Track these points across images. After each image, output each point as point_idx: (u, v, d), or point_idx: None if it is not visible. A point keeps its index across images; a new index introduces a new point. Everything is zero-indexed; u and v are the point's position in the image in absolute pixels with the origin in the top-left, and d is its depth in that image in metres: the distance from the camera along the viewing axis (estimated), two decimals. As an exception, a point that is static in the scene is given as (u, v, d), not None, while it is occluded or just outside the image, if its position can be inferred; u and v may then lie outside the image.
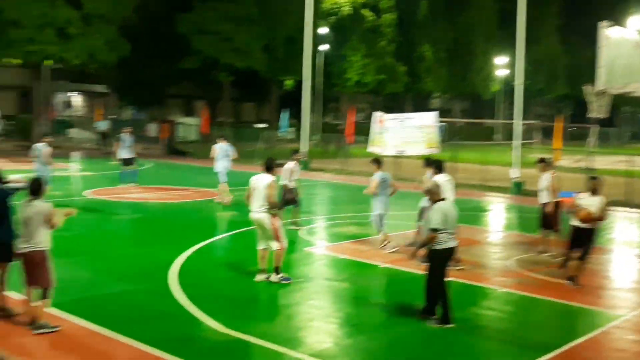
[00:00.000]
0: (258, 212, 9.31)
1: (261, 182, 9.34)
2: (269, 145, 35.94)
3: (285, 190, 13.99)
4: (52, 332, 7.08)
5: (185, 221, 15.23)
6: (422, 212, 11.51)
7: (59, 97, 49.05)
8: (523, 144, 24.96)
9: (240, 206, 17.08)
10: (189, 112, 55.05)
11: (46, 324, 7.13)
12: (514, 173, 23.20)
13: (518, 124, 24.15)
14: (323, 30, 48.46)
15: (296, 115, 55.51)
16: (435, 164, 11.57)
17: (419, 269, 10.43)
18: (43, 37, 31.43)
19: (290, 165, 14.36)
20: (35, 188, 7.19)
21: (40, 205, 7.14)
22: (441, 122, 31.78)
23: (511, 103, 68.11)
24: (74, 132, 42.72)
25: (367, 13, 50.32)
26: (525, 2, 22.83)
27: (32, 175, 8.86)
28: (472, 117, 76.61)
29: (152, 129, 37.40)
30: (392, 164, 26.59)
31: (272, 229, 9.33)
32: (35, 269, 7.10)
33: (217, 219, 15.93)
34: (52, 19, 31.51)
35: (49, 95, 38.62)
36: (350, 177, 26.33)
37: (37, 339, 6.94)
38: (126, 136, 20.29)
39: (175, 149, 34.32)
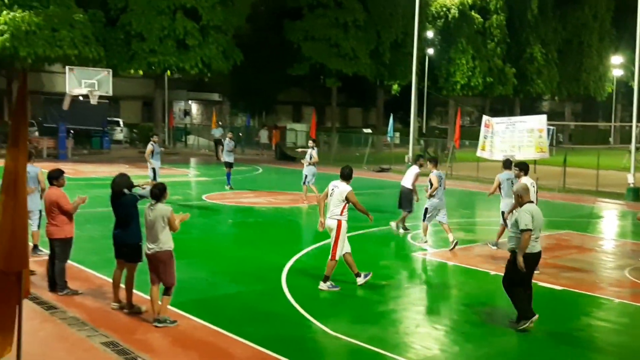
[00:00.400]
0: (329, 218, 9.44)
1: (337, 189, 9.42)
2: (375, 150, 36.01)
3: (406, 193, 14.13)
4: (172, 326, 7.58)
5: (294, 225, 15.72)
6: (503, 215, 12.25)
7: (178, 106, 51.62)
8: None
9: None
10: (298, 118, 56.23)
11: (167, 318, 7.64)
12: (630, 178, 22.13)
13: (636, 126, 22.92)
14: (429, 33, 48.20)
15: (402, 120, 55.51)
16: (521, 167, 11.53)
17: (534, 278, 10.20)
18: (164, 49, 33.41)
19: (415, 169, 14.37)
20: (158, 193, 7.67)
21: (163, 209, 7.63)
22: (551, 125, 30.62)
23: (627, 105, 64.45)
24: (191, 139, 44.86)
25: (475, 15, 49.48)
26: (645, -3, 21.60)
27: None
28: (585, 119, 73.66)
29: (263, 135, 38.57)
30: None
31: (334, 237, 9.36)
32: (161, 268, 7.62)
33: None
34: (172, 31, 33.43)
35: (168, 104, 40.94)
36: (457, 182, 25.82)
37: (159, 336, 7.42)
38: (228, 141, 21.50)
39: (284, 154, 35.26)
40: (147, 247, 7.66)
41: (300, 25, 40.55)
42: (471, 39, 48.76)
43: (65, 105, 30.11)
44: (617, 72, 61.09)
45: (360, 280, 9.56)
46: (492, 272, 10.76)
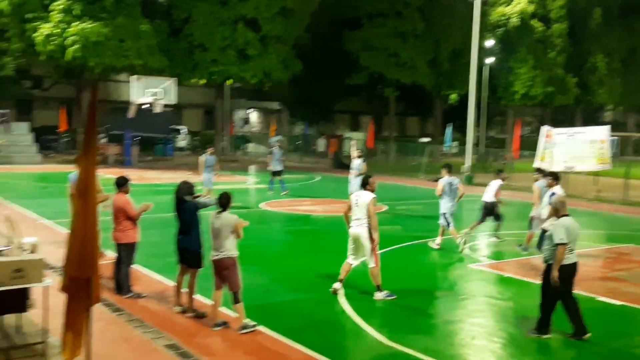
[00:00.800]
0: (357, 227, 9.48)
1: (362, 198, 9.46)
2: (432, 159, 35.72)
3: (488, 205, 14.44)
4: (254, 330, 7.80)
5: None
6: (531, 222, 12.81)
7: (238, 114, 52.51)
8: None
9: (404, 220, 17.32)
10: (355, 127, 56.32)
11: (247, 323, 7.85)
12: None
13: None
14: (489, 42, 47.60)
15: (460, 129, 54.81)
16: (554, 176, 11.75)
17: (591, 292, 10.09)
18: (225, 59, 34.17)
19: (498, 183, 14.64)
20: (225, 202, 7.94)
21: (229, 217, 7.88)
22: (613, 136, 29.81)
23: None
24: (250, 147, 45.57)
25: (536, 24, 48.68)
26: None
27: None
28: None
29: (321, 144, 38.81)
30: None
31: (369, 246, 9.40)
32: (225, 274, 7.85)
33: (381, 234, 16.19)
34: (234, 42, 34.16)
35: (229, 112, 41.76)
36: (515, 193, 25.37)
37: (220, 340, 7.63)
38: (276, 150, 22.05)
39: (342, 163, 35.42)
40: (213, 253, 7.90)
41: (359, 35, 40.77)
42: (532, 48, 48.06)
43: (131, 113, 31.08)
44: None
45: (378, 295, 9.41)
46: None
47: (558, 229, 7.82)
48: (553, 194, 11.50)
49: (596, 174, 25.64)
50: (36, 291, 6.96)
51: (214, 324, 7.91)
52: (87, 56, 30.11)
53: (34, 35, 30.31)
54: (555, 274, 7.72)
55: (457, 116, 51.62)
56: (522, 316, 9.04)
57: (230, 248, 7.84)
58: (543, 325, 8.07)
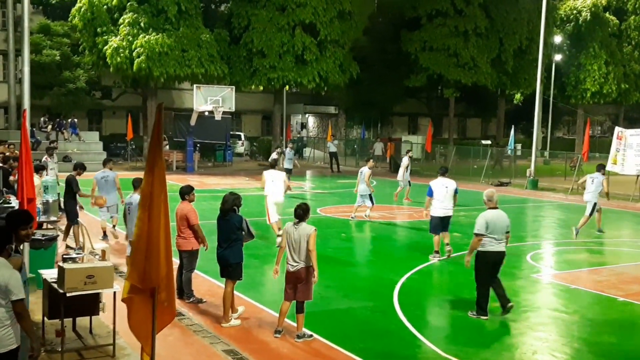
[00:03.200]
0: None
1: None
2: (494, 163, 34.84)
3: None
4: (310, 340, 7.88)
5: (407, 240, 15.66)
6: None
7: (295, 119, 52.98)
8: None
9: (463, 227, 16.95)
10: (414, 130, 55.79)
11: (305, 332, 7.96)
12: None
13: None
14: (557, 38, 46.13)
15: (525, 131, 53.31)
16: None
17: None
18: (283, 65, 34.55)
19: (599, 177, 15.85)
20: (302, 213, 7.97)
21: (307, 228, 7.90)
22: None
23: None
24: (307, 152, 45.83)
25: (609, 17, 46.51)
26: None
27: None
28: None
29: (378, 148, 38.61)
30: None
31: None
32: (302, 284, 7.89)
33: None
34: (291, 47, 34.50)
35: (286, 117, 42.17)
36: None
37: (275, 347, 7.74)
38: (288, 150, 25.70)
39: (399, 167, 35.12)
40: (290, 264, 7.89)
41: (418, 36, 40.23)
42: (605, 43, 46.05)
43: (193, 120, 32.06)
44: None
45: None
46: (620, 299, 10.09)
47: (478, 220, 8.72)
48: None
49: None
50: (106, 295, 7.40)
51: (276, 331, 8.06)
52: (151, 66, 31.23)
53: (104, 48, 31.72)
54: (467, 258, 8.80)
55: (522, 117, 50.41)
56: (589, 331, 8.66)
57: (308, 259, 7.84)
58: (482, 308, 8.86)
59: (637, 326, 9.00)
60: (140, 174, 5.23)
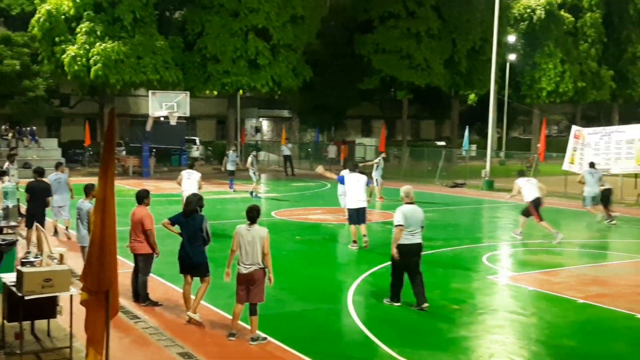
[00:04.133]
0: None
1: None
2: (449, 164, 34.60)
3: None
4: (265, 342, 7.92)
5: (360, 242, 15.72)
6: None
7: (249, 123, 52.97)
8: None
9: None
10: (368, 132, 56.22)
11: (259, 335, 8.00)
12: None
13: None
14: (511, 38, 45.73)
15: (479, 131, 53.85)
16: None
17: (631, 309, 9.47)
18: (237, 70, 34.62)
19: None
20: (254, 215, 8.06)
21: (261, 230, 7.98)
22: None
23: None
24: (261, 155, 45.81)
25: (565, 14, 46.44)
26: None
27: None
28: None
29: (332, 151, 38.81)
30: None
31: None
32: (255, 287, 7.94)
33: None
34: (245, 52, 34.59)
35: (240, 122, 42.20)
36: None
37: (230, 350, 7.77)
38: (231, 153, 26.42)
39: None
40: (244, 266, 7.91)
41: (370, 38, 40.23)
42: (560, 41, 45.88)
43: (148, 126, 32.13)
44: None
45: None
46: (580, 300, 9.95)
47: (397, 213, 9.41)
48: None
49: (635, 175, 24.25)
50: (64, 298, 7.43)
51: (230, 334, 8.08)
52: (108, 74, 31.38)
53: (62, 57, 32.05)
54: (393, 250, 9.28)
55: (476, 117, 50.22)
56: (547, 334, 8.47)
57: (262, 260, 7.92)
58: (394, 295, 9.50)
59: (597, 329, 8.88)
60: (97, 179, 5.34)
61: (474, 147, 42.95)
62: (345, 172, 14.48)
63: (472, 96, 48.91)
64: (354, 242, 13.78)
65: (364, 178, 13.92)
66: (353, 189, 13.72)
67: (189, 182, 16.19)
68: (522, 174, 16.39)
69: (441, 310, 9.45)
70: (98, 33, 31.90)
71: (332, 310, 9.46)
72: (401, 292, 9.50)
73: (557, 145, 38.49)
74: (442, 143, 45.41)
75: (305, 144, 47.86)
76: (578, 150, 23.41)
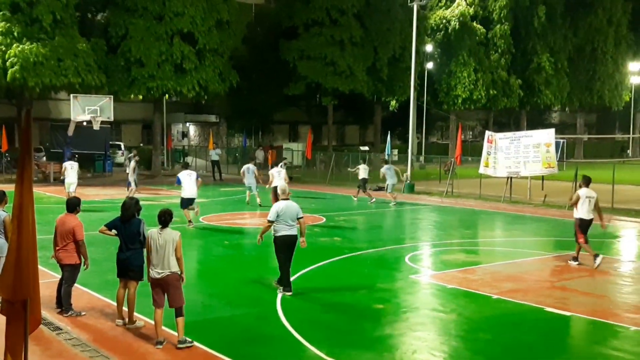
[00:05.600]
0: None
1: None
2: (372, 168, 35.67)
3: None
4: (191, 346, 7.90)
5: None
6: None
7: (176, 128, 52.25)
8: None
9: (343, 231, 17.49)
10: (294, 137, 56.56)
11: (186, 339, 7.96)
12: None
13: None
14: (429, 47, 47.36)
15: (401, 136, 55.30)
16: (584, 179, 13.12)
17: (539, 302, 9.95)
18: (162, 74, 34.15)
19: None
20: (166, 219, 8.09)
21: (172, 233, 8.01)
22: (561, 138, 29.07)
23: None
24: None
25: (477, 26, 48.47)
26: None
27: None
28: (600, 131, 69.68)
29: (259, 155, 38.90)
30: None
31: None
32: (171, 291, 7.94)
33: (320, 245, 15.50)
34: (170, 56, 34.19)
35: (167, 126, 41.61)
36: (458, 200, 25.15)
37: (158, 357, 7.72)
38: (132, 158, 26.72)
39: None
40: (156, 271, 7.91)
41: (295, 45, 40.72)
42: (473, 51, 47.81)
43: (70, 131, 31.13)
44: (635, 80, 58.03)
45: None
46: (494, 296, 10.39)
47: (271, 209, 10.51)
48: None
49: (542, 178, 25.11)
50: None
51: (157, 342, 8.00)
52: (26, 77, 30.06)
53: None
54: (259, 238, 10.78)
55: (398, 123, 51.64)
56: (466, 329, 8.85)
57: (174, 264, 7.93)
58: (284, 283, 10.46)
59: (510, 322, 9.32)
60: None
61: (395, 151, 43.97)
62: (180, 174, 17.77)
63: (393, 102, 50.12)
64: (189, 221, 17.23)
65: (194, 173, 17.68)
66: (186, 183, 17.36)
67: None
68: None
69: (367, 310, 9.72)
70: (15, 34, 30.48)
71: (261, 314, 9.50)
72: (290, 280, 10.53)
73: (473, 150, 40.03)
74: (366, 148, 46.37)
75: (233, 149, 47.66)
76: (492, 154, 24.47)
